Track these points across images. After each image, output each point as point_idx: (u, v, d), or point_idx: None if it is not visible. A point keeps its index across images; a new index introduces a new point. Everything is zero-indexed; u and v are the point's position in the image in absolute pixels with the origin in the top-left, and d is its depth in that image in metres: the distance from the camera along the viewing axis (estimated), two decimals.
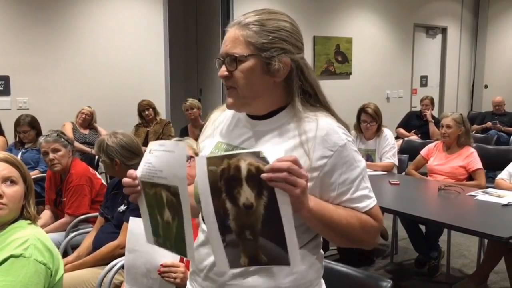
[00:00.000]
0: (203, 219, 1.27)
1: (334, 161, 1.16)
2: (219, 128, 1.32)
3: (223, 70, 1.19)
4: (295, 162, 1.01)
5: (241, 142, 1.24)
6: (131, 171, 1.18)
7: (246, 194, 1.01)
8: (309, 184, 1.12)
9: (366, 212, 1.18)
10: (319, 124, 1.18)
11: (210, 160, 1.02)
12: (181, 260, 1.90)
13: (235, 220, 1.04)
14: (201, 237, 1.28)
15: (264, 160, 0.99)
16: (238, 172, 1.00)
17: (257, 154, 1.00)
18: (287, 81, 1.19)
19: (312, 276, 1.23)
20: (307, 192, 1.06)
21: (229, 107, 1.24)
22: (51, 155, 3.13)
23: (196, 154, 1.96)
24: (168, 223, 1.13)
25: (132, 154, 2.58)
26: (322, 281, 1.30)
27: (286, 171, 0.98)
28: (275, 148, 1.02)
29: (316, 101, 1.23)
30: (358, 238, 1.19)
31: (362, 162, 1.21)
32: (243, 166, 1.00)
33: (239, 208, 1.02)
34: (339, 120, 1.24)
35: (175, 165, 1.08)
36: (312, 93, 1.23)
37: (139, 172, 1.17)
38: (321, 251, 1.29)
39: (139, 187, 1.17)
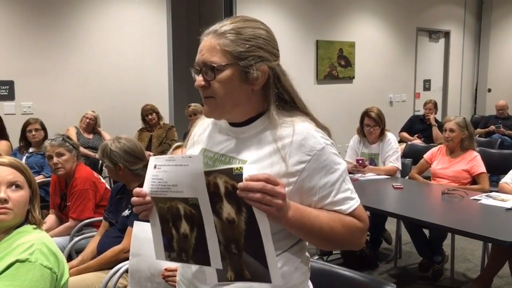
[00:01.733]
0: None
1: (313, 165, 1.15)
2: (204, 134, 1.33)
3: (200, 80, 1.18)
4: (269, 180, 1.02)
5: (222, 149, 1.24)
6: (138, 190, 1.15)
7: (228, 210, 1.03)
8: (288, 189, 1.12)
9: (350, 214, 1.18)
10: (295, 129, 1.17)
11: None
12: None
13: (222, 233, 1.06)
14: None
15: (237, 178, 1.00)
16: (217, 189, 1.03)
17: (230, 172, 1.01)
18: (264, 88, 1.19)
19: (298, 280, 1.23)
20: (285, 205, 1.06)
21: (207, 115, 1.23)
22: (55, 159, 3.14)
23: None
24: (186, 236, 1.12)
25: (135, 158, 2.59)
26: (310, 283, 1.30)
27: (260, 192, 1.00)
28: (248, 166, 1.03)
29: (293, 107, 1.23)
30: (342, 241, 1.19)
31: (342, 165, 1.20)
32: (220, 183, 1.02)
33: (223, 222, 1.04)
34: (318, 124, 1.23)
35: (191, 178, 1.06)
36: (289, 99, 1.23)
37: (147, 188, 1.13)
38: (307, 253, 1.29)
39: (151, 204, 1.14)
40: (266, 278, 1.04)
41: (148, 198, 1.14)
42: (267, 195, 1.01)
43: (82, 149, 4.74)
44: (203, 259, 1.12)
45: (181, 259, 1.16)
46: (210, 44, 1.16)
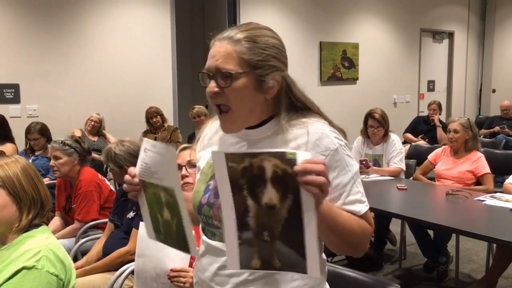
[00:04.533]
0: (203, 231, 1.28)
1: (327, 165, 1.12)
2: (214, 138, 1.31)
3: (213, 86, 1.15)
4: (326, 165, 0.97)
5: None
6: (131, 169, 1.18)
7: (270, 195, 0.97)
8: None
9: (361, 216, 1.18)
10: (309, 130, 1.18)
11: (229, 156, 0.98)
12: (190, 266, 1.91)
13: (255, 218, 1.00)
14: (202, 248, 1.28)
15: (290, 162, 0.95)
16: (262, 172, 0.96)
17: (282, 156, 0.95)
18: (276, 97, 1.19)
19: (315, 281, 1.23)
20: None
21: (228, 131, 1.21)
22: (51, 162, 3.17)
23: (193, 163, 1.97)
24: (168, 222, 1.14)
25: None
26: (327, 285, 1.30)
27: (320, 174, 0.94)
28: (302, 152, 0.97)
29: (307, 110, 1.23)
30: (357, 242, 1.17)
31: (355, 167, 1.20)
32: (268, 167, 0.96)
33: (261, 207, 0.98)
34: (332, 124, 1.23)
35: (167, 168, 1.09)
36: (302, 106, 1.22)
37: (137, 170, 1.16)
38: (323, 255, 1.29)
39: (138, 186, 1.17)
40: (300, 268, 1.00)
41: (136, 179, 1.16)
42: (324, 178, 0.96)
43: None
44: (183, 246, 1.14)
45: (167, 242, 1.19)
46: (226, 50, 1.14)
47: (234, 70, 1.13)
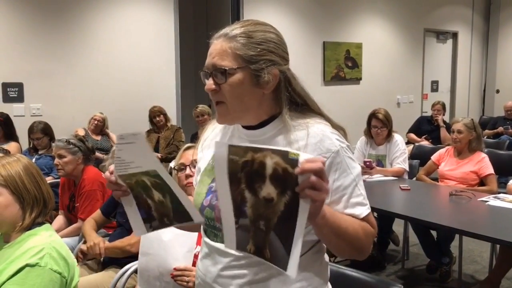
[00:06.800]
0: (205, 232, 1.28)
1: (328, 167, 1.14)
2: (216, 139, 1.31)
3: (210, 84, 1.17)
4: (325, 164, 0.96)
5: None
6: (106, 173, 1.17)
7: (268, 190, 0.98)
8: None
9: (363, 219, 1.17)
10: (310, 132, 1.17)
11: (232, 149, 0.99)
12: (193, 265, 1.92)
13: (252, 209, 1.01)
14: (204, 249, 1.28)
15: (292, 162, 0.94)
16: (262, 168, 0.96)
17: (285, 154, 0.94)
18: (275, 92, 1.18)
19: (318, 282, 1.23)
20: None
21: (220, 121, 1.22)
22: (56, 160, 3.18)
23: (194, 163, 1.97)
24: (162, 202, 1.15)
25: None
26: (329, 285, 1.30)
27: (317, 174, 0.93)
28: (304, 153, 0.95)
29: (307, 109, 1.23)
30: (361, 246, 1.17)
31: (356, 169, 1.18)
32: (269, 163, 0.96)
33: (259, 199, 0.99)
34: (334, 125, 1.23)
35: (142, 154, 1.10)
36: (302, 102, 1.22)
37: (114, 167, 1.15)
38: (326, 256, 1.29)
39: (119, 185, 1.16)
40: (283, 265, 1.01)
41: (113, 177, 1.15)
42: (320, 179, 0.94)
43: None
44: (185, 217, 1.15)
45: (164, 224, 1.18)
46: (221, 47, 1.15)
47: (228, 66, 1.14)
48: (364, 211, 1.17)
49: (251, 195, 1.00)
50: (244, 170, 0.99)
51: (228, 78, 1.14)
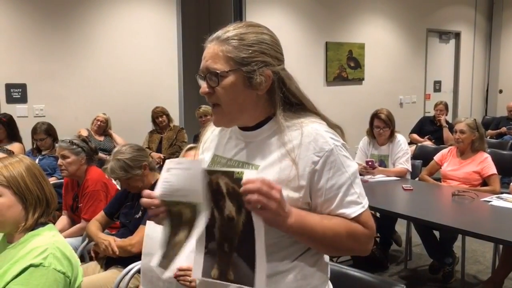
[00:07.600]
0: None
1: (321, 166, 1.15)
2: (215, 141, 1.33)
3: (204, 87, 1.19)
4: (264, 183, 1.02)
5: (234, 155, 1.25)
6: (147, 191, 1.15)
7: (229, 208, 1.05)
8: (299, 193, 1.14)
9: (355, 219, 1.17)
10: (303, 131, 1.17)
11: (202, 172, 1.07)
12: None
13: (220, 229, 1.08)
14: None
15: (237, 181, 1.02)
16: (219, 188, 1.06)
17: (231, 175, 1.04)
18: (269, 93, 1.19)
19: (318, 281, 1.24)
20: (284, 210, 1.07)
21: (217, 124, 1.25)
22: (59, 161, 3.19)
23: None
24: (180, 242, 1.13)
25: (142, 156, 2.65)
26: (330, 284, 1.30)
27: (256, 193, 1.01)
28: (249, 171, 1.05)
29: (303, 109, 1.23)
30: (347, 248, 1.20)
31: (352, 167, 1.18)
32: (222, 184, 1.05)
33: (224, 218, 1.07)
34: (330, 124, 1.23)
35: (191, 183, 1.09)
36: (297, 102, 1.22)
37: (159, 190, 1.14)
38: (326, 256, 1.29)
39: (161, 208, 1.14)
40: (249, 282, 1.04)
41: (156, 200, 1.13)
42: (263, 197, 1.01)
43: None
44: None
45: (169, 261, 1.16)
46: (213, 50, 1.17)
47: (220, 69, 1.16)
48: (357, 210, 1.17)
49: (218, 214, 1.07)
50: (209, 190, 1.07)
51: (221, 81, 1.16)
